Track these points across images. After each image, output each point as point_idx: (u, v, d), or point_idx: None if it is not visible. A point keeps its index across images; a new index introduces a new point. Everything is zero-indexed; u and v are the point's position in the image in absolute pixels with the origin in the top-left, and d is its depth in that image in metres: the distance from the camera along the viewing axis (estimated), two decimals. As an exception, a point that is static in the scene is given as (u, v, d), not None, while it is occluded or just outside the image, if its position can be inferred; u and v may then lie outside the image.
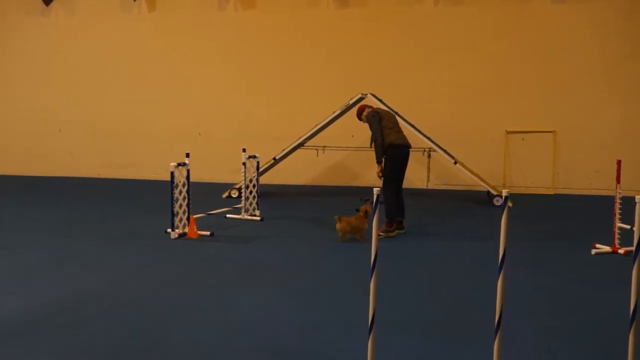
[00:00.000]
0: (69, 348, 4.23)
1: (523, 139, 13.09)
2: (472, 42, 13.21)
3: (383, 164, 8.32)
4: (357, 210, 7.92)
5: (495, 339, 3.46)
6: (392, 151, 8.35)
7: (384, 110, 9.04)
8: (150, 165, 14.25)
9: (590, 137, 12.78)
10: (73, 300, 5.30)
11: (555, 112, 12.92)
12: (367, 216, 7.85)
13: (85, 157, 15.11)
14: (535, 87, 12.97)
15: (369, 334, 3.51)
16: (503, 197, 3.44)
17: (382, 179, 8.35)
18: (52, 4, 15.04)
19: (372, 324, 3.49)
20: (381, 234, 8.06)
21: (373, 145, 8.42)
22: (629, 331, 3.37)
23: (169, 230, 7.94)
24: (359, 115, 8.87)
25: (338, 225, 7.84)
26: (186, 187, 8.07)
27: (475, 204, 11.40)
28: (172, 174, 7.84)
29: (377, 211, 3.52)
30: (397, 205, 8.38)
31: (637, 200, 3.27)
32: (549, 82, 12.91)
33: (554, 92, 12.89)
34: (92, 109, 15.00)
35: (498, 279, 3.42)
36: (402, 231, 8.47)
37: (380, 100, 11.28)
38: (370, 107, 8.90)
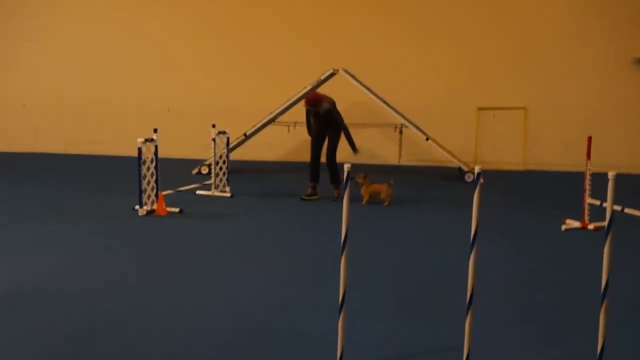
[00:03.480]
0: (30, 332, 4.08)
1: (494, 116, 13.10)
2: (444, 18, 13.13)
3: (335, 141, 9.08)
4: (353, 179, 8.38)
5: (466, 316, 3.42)
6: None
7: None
8: (119, 142, 13.96)
9: (561, 113, 12.86)
10: (35, 281, 5.14)
11: (527, 89, 12.95)
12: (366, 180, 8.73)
13: (51, 133, 14.76)
14: (507, 64, 12.97)
15: (339, 314, 3.44)
16: (475, 174, 3.38)
17: (334, 149, 9.10)
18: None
19: (343, 304, 3.43)
20: (337, 198, 8.98)
21: (341, 132, 9.01)
22: (600, 308, 3.35)
23: (137, 207, 7.78)
24: (316, 103, 8.91)
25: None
26: (154, 163, 7.90)
27: (447, 180, 11.41)
28: (139, 150, 7.66)
29: (348, 186, 3.44)
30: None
31: (609, 176, 3.22)
32: (520, 59, 12.92)
33: (525, 68, 12.90)
34: (59, 84, 14.65)
35: (470, 257, 3.38)
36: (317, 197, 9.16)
37: (353, 76, 11.17)
38: (323, 96, 9.08)
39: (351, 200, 3.47)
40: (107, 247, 6.35)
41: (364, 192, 8.73)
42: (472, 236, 3.36)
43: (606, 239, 3.27)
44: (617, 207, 7.83)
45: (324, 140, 9.21)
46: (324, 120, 9.00)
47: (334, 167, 9.08)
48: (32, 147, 14.73)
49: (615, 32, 12.58)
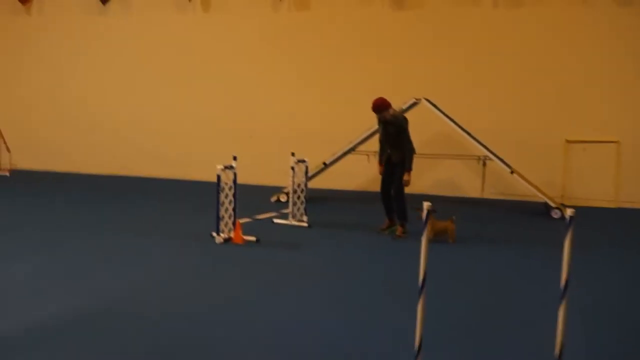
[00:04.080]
0: (111, 346, 4.10)
1: (584, 149, 12.51)
2: (531, 46, 12.71)
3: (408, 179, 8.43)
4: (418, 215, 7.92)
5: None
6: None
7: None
8: (200, 166, 14.21)
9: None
10: (113, 302, 5.19)
11: (619, 121, 12.31)
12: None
13: (135, 155, 15.23)
14: (597, 95, 12.39)
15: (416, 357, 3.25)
16: (567, 218, 3.12)
17: (402, 184, 8.43)
18: (109, 4, 15.26)
19: (420, 349, 3.23)
20: (402, 235, 8.42)
21: (399, 151, 8.45)
22: None
23: (214, 234, 7.80)
24: (382, 109, 8.49)
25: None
26: (232, 190, 7.93)
27: (532, 215, 10.92)
28: (218, 177, 7.71)
29: (428, 224, 3.26)
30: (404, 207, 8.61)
31: None
32: (612, 89, 12.30)
33: (618, 100, 12.28)
34: (146, 108, 15.13)
35: (560, 306, 3.12)
36: (395, 227, 8.69)
37: (435, 106, 10.96)
38: (388, 102, 8.58)
39: (415, 236, 3.29)
40: (184, 271, 6.36)
41: (428, 230, 8.11)
42: (563, 285, 3.11)
43: None
44: None
45: (394, 170, 8.58)
46: (393, 137, 8.45)
47: (401, 201, 8.51)
48: (111, 169, 15.21)
49: None
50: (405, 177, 8.35)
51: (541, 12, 12.63)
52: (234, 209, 7.97)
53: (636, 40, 12.17)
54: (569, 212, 3.12)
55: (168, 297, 5.47)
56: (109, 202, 11.08)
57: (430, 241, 7.96)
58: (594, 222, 10.48)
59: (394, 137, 8.48)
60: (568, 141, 12.57)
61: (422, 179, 12.72)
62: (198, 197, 11.75)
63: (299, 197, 9.33)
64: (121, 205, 10.77)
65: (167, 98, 14.97)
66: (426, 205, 3.26)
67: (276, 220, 9.37)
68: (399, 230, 8.51)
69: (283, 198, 11.40)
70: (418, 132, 9.24)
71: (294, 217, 9.26)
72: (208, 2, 14.62)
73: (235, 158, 8.06)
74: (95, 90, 15.57)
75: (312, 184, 11.18)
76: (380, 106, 8.50)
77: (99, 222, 9.11)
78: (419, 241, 3.28)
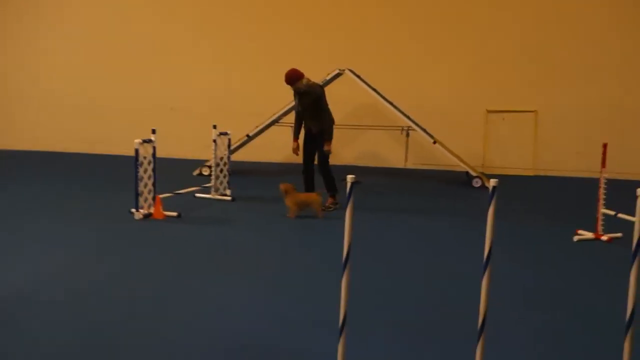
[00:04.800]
0: (14, 340, 3.83)
1: (504, 119, 12.79)
2: (453, 19, 12.83)
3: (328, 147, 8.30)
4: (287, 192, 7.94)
5: (478, 340, 3.14)
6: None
7: (315, 83, 8.63)
8: (120, 140, 13.68)
9: (573, 117, 12.54)
10: (24, 288, 4.88)
11: (537, 92, 12.64)
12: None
13: (49, 130, 14.48)
14: (517, 66, 12.66)
15: (340, 334, 3.17)
16: (490, 188, 3.09)
17: (325, 155, 8.32)
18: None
19: (344, 326, 3.16)
20: (330, 206, 8.31)
21: (316, 121, 8.27)
22: (625, 337, 3.07)
23: (133, 210, 7.52)
24: (294, 79, 8.26)
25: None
26: (152, 164, 7.65)
27: (454, 185, 11.12)
28: (136, 151, 7.40)
29: (351, 197, 3.16)
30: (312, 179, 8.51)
31: (638, 193, 2.94)
32: (531, 61, 12.59)
33: (536, 71, 12.59)
34: (60, 81, 14.39)
35: (483, 277, 3.10)
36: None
37: (358, 76, 10.91)
38: (300, 72, 8.32)
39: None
40: (99, 250, 6.09)
41: (289, 202, 7.82)
42: (485, 257, 3.08)
43: (632, 262, 2.98)
44: (631, 218, 7.53)
45: (315, 142, 8.40)
46: (310, 108, 8.20)
47: (327, 172, 8.38)
48: (30, 145, 14.45)
49: (631, 37, 12.26)
50: (326, 147, 8.21)
51: (462, -18, 12.74)
52: (153, 184, 7.69)
53: (554, 11, 12.46)
54: (491, 182, 3.08)
55: (81, 280, 5.20)
56: (23, 180, 10.52)
57: (296, 215, 7.83)
58: (514, 190, 10.74)
59: (311, 108, 8.24)
60: (488, 111, 12.82)
61: (346, 150, 12.72)
62: (118, 172, 11.32)
63: (221, 171, 9.11)
64: (36, 183, 10.25)
65: (85, 71, 14.26)
66: (350, 177, 3.16)
67: (198, 195, 9.13)
68: (328, 201, 8.38)
69: (206, 171, 11.14)
70: (343, 103, 9.20)
71: (216, 191, 9.05)
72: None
73: (154, 131, 7.76)
74: (12, 64, 14.65)
75: (236, 157, 10.97)
76: (292, 77, 8.24)
77: (11, 201, 8.62)
78: (339, 208, 3.18)
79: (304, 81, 8.27)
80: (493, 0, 12.68)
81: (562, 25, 12.48)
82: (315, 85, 8.43)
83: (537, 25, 12.53)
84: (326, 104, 8.30)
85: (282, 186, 7.93)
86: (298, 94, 8.36)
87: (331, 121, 8.34)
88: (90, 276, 5.29)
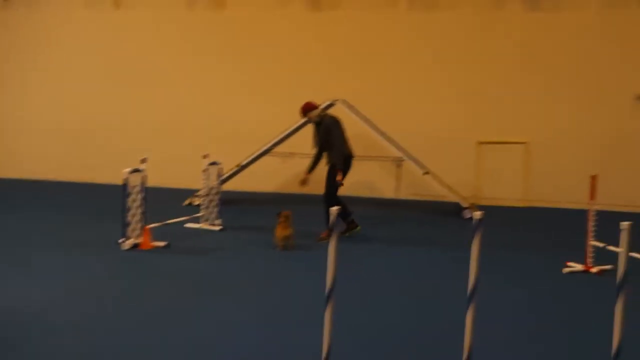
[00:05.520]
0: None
1: (495, 150, 12.82)
2: (445, 50, 12.93)
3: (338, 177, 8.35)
4: (278, 215, 7.80)
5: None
6: (344, 162, 8.44)
7: (332, 116, 8.82)
8: (110, 168, 13.61)
9: (563, 149, 12.58)
10: (9, 319, 4.81)
11: (528, 123, 12.69)
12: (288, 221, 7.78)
13: (37, 158, 14.40)
14: (508, 98, 12.72)
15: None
16: (475, 221, 3.08)
17: (332, 186, 8.37)
18: (12, -1, 14.48)
19: (328, 357, 3.11)
20: (324, 238, 8.12)
21: (328, 153, 8.45)
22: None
23: (121, 240, 7.46)
24: (307, 111, 8.60)
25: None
26: (141, 194, 7.61)
27: (445, 216, 11.10)
28: (125, 180, 7.37)
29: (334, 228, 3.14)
30: (343, 207, 8.44)
31: (622, 227, 2.93)
32: (522, 93, 12.67)
33: (527, 103, 12.66)
34: (47, 108, 14.38)
35: (468, 309, 3.07)
36: (358, 228, 8.69)
37: (351, 107, 10.95)
38: (316, 105, 8.75)
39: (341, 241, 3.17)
40: (85, 281, 6.03)
41: (280, 233, 7.70)
42: (469, 291, 3.06)
43: (617, 296, 2.96)
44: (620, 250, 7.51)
45: (328, 173, 8.49)
46: (323, 139, 8.41)
47: (328, 205, 8.16)
48: (17, 173, 14.37)
49: (618, 69, 12.37)
50: (337, 178, 8.28)
51: (455, 15, 12.86)
52: (142, 214, 7.65)
53: (543, 45, 12.58)
54: (476, 214, 3.07)
55: (68, 310, 5.13)
56: (9, 209, 10.45)
57: (281, 248, 7.69)
58: (505, 221, 10.74)
59: (323, 139, 8.44)
60: (480, 142, 12.86)
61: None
62: (107, 201, 11.24)
63: (211, 201, 9.08)
64: (22, 212, 10.18)
65: (75, 98, 14.27)
66: (333, 209, 3.14)
67: (188, 225, 9.08)
68: (323, 233, 8.31)
69: (196, 201, 11.08)
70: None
71: (206, 220, 9.01)
72: (118, -1, 14.11)
73: (144, 160, 7.75)
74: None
75: (227, 186, 10.96)
76: (305, 108, 8.60)
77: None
78: (341, 245, 3.16)
79: (317, 112, 8.55)
80: (483, 32, 12.79)
81: (552, 57, 12.59)
82: (326, 115, 8.65)
83: (527, 58, 12.63)
84: (338, 136, 8.39)
85: (281, 216, 7.79)
86: (315, 130, 8.60)
87: (339, 151, 8.33)
88: (76, 307, 5.22)
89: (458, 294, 5.71)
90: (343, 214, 8.51)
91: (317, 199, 8.74)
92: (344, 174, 8.42)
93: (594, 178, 7.03)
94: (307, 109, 8.61)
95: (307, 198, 12.54)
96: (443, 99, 12.91)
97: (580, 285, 6.55)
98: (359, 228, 8.71)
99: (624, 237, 2.95)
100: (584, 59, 12.48)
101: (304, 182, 8.57)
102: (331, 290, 3.07)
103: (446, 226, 10.22)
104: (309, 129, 11.53)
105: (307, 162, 12.70)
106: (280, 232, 7.75)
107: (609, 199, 11.01)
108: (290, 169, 12.69)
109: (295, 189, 13.12)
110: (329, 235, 8.04)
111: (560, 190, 12.48)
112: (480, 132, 12.83)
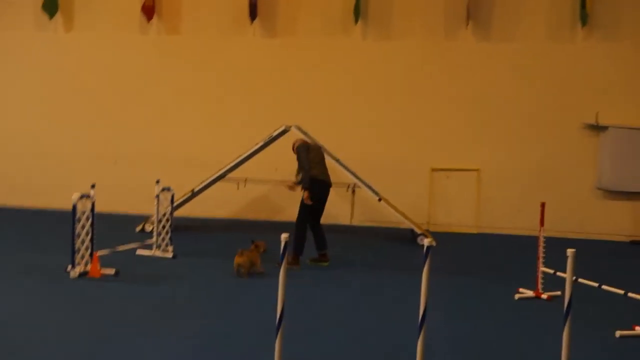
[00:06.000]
0: None
1: (448, 177, 13.00)
2: (398, 77, 13.09)
3: (304, 196, 8.51)
4: (253, 242, 7.93)
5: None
6: (314, 186, 8.53)
7: (314, 144, 9.27)
8: (59, 193, 13.25)
9: (513, 176, 12.80)
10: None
11: (480, 151, 12.91)
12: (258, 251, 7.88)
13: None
14: (460, 125, 12.93)
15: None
16: (424, 248, 3.09)
17: (302, 209, 8.57)
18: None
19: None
20: (292, 266, 7.94)
21: (299, 175, 8.73)
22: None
23: (69, 268, 7.26)
24: (293, 146, 9.00)
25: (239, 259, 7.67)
26: (90, 220, 7.44)
27: (399, 242, 11.16)
28: (74, 206, 7.21)
29: (285, 258, 3.10)
30: (320, 238, 8.70)
31: (568, 254, 2.97)
32: (473, 121, 12.90)
33: (478, 130, 12.88)
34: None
35: (419, 336, 3.06)
36: (325, 263, 8.63)
37: (305, 133, 10.95)
38: (304, 140, 9.19)
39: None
40: (30, 310, 5.83)
41: (248, 257, 7.69)
42: (420, 317, 3.05)
43: (565, 323, 3.00)
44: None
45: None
46: (299, 165, 8.69)
47: (297, 230, 8.46)
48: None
49: (566, 98, 12.72)
50: (305, 195, 8.46)
51: (407, 45, 13.04)
52: (91, 240, 7.47)
53: (492, 74, 12.86)
54: (426, 241, 3.08)
55: (9, 338, 4.94)
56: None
57: (246, 274, 7.65)
58: (457, 247, 10.85)
59: (299, 165, 8.67)
60: (433, 169, 13.01)
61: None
62: (55, 228, 10.96)
63: (163, 227, 8.93)
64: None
65: (23, 121, 13.89)
66: (283, 237, 3.11)
67: (139, 252, 8.89)
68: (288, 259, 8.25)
69: (149, 227, 10.88)
70: (289, 159, 9.21)
71: (158, 247, 8.85)
72: (71, 21, 13.87)
73: (93, 186, 7.60)
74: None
75: (180, 212, 10.80)
76: (293, 145, 8.97)
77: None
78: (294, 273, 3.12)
79: (297, 143, 8.90)
80: (436, 61, 13.00)
81: (501, 86, 12.86)
82: (297, 140, 9.09)
83: (478, 86, 12.88)
84: (304, 159, 8.55)
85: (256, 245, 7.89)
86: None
87: (306, 172, 8.46)
88: (19, 336, 5.04)
89: (410, 320, 5.72)
90: (318, 243, 8.70)
91: (274, 225, 8.71)
92: (317, 198, 8.56)
93: (542, 205, 7.17)
94: (294, 145, 8.98)
95: (262, 224, 12.49)
96: (396, 125, 13.04)
97: (531, 310, 6.63)
98: (326, 264, 8.66)
99: (569, 264, 2.99)
100: (532, 88, 12.79)
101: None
102: (280, 320, 3.03)
103: (401, 252, 10.28)
104: (263, 155, 11.57)
105: (261, 188, 12.85)
106: (237, 258, 7.71)
107: (558, 226, 11.25)
108: (244, 195, 12.60)
109: (250, 215, 13.16)
110: (292, 262, 8.08)
111: (510, 217, 12.69)
112: (433, 159, 12.99)
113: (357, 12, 12.70)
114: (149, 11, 13.24)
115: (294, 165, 8.98)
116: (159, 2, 13.48)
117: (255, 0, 12.95)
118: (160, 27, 13.65)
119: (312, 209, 8.60)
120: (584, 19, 12.25)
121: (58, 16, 13.73)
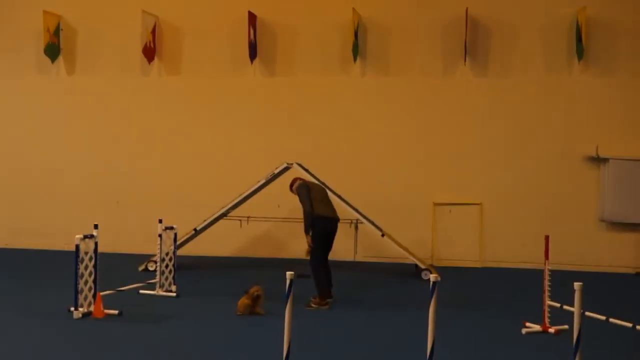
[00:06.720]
0: None
1: (450, 211, 12.99)
2: (398, 113, 13.19)
3: (311, 236, 8.40)
4: (246, 292, 7.79)
5: None
6: (321, 224, 8.49)
7: (313, 182, 9.28)
8: (62, 234, 13.26)
9: (516, 209, 12.79)
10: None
11: (482, 185, 12.92)
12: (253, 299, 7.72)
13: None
14: (461, 160, 12.97)
15: None
16: (431, 284, 3.08)
17: (311, 251, 8.44)
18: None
19: None
20: (313, 305, 8.18)
21: (313, 225, 8.49)
22: None
23: (72, 309, 7.22)
24: (291, 187, 8.98)
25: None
26: (93, 261, 7.42)
27: (403, 277, 11.10)
28: (77, 247, 7.20)
29: (291, 294, 3.09)
30: (326, 275, 8.50)
31: (575, 287, 2.96)
32: (475, 155, 12.94)
33: (480, 164, 12.92)
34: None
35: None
36: (326, 306, 8.37)
37: (307, 170, 10.98)
38: (302, 179, 9.13)
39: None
40: (33, 351, 5.78)
41: (247, 300, 7.70)
42: (428, 353, 3.03)
43: (574, 358, 2.97)
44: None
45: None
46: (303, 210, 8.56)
47: (312, 271, 8.37)
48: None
49: (566, 131, 12.78)
50: (306, 241, 8.39)
51: (406, 81, 13.15)
52: (94, 281, 7.45)
53: (493, 109, 12.96)
54: (432, 277, 3.07)
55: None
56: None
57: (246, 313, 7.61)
58: (462, 282, 10.79)
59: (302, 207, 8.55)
60: (435, 204, 13.02)
61: (295, 243, 12.60)
62: (58, 268, 10.92)
63: (167, 266, 8.90)
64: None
65: (27, 162, 13.98)
66: (289, 275, 3.11)
67: (142, 291, 8.85)
68: (315, 300, 8.27)
69: (151, 267, 10.84)
70: (291, 196, 9.22)
71: (161, 287, 8.81)
72: (72, 64, 14.03)
73: (96, 226, 7.60)
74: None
75: (183, 251, 10.77)
76: (290, 185, 8.96)
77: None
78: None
79: (295, 184, 8.86)
80: (436, 97, 13.11)
81: (502, 120, 12.94)
82: (294, 181, 9.01)
83: (480, 121, 12.96)
84: (304, 200, 8.47)
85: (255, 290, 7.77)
86: None
87: (307, 214, 8.36)
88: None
89: (417, 357, 5.65)
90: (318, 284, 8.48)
91: (273, 262, 8.66)
92: (322, 235, 8.46)
93: (547, 238, 7.15)
94: (291, 184, 8.96)
95: (265, 261, 12.44)
96: (398, 161, 13.09)
97: (539, 345, 6.56)
98: (327, 307, 8.34)
99: (577, 298, 2.98)
100: (531, 122, 12.87)
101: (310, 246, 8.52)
102: (288, 353, 3.01)
103: (405, 288, 10.21)
104: (265, 192, 11.59)
105: (264, 225, 12.84)
106: (243, 300, 7.72)
107: (562, 258, 11.17)
108: (247, 232, 12.59)
109: (253, 253, 13.11)
110: (320, 304, 8.05)
111: (514, 251, 12.65)
112: (436, 193, 13.01)
113: (356, 50, 12.85)
114: (149, 53, 13.38)
115: (296, 201, 8.95)
116: (159, 44, 13.68)
117: (255, 40, 13.13)
118: (161, 68, 13.82)
119: (323, 246, 8.53)
120: (580, 53, 12.38)
121: (60, 60, 13.94)
